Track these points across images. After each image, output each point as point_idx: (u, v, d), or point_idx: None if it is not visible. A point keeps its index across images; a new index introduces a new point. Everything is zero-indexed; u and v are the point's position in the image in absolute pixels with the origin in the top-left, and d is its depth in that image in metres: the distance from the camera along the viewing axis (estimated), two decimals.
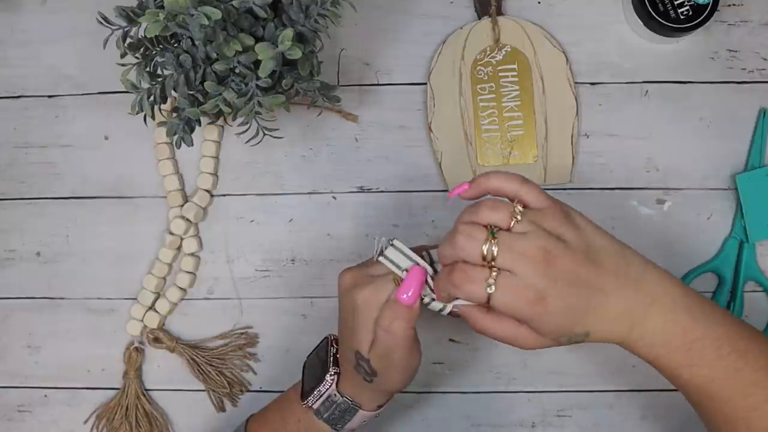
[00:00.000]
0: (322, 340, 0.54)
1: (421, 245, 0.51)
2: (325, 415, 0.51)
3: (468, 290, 0.42)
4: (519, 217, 0.42)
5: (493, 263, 0.42)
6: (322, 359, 0.53)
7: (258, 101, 0.50)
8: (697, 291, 0.46)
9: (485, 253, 0.41)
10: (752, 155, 0.61)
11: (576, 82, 0.62)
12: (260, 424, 0.54)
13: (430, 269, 0.47)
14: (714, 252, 0.61)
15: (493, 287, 0.41)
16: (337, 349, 0.52)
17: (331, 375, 0.51)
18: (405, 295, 0.45)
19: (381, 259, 0.47)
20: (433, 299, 0.46)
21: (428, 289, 0.46)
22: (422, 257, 0.48)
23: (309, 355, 0.55)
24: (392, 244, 0.47)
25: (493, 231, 0.42)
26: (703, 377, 0.44)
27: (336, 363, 0.52)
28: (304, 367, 0.54)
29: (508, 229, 0.42)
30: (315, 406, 0.51)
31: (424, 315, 0.63)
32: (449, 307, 0.46)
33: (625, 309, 0.43)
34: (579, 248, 0.43)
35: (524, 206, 0.44)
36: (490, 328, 0.44)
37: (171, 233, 0.63)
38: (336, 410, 0.51)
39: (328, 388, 0.51)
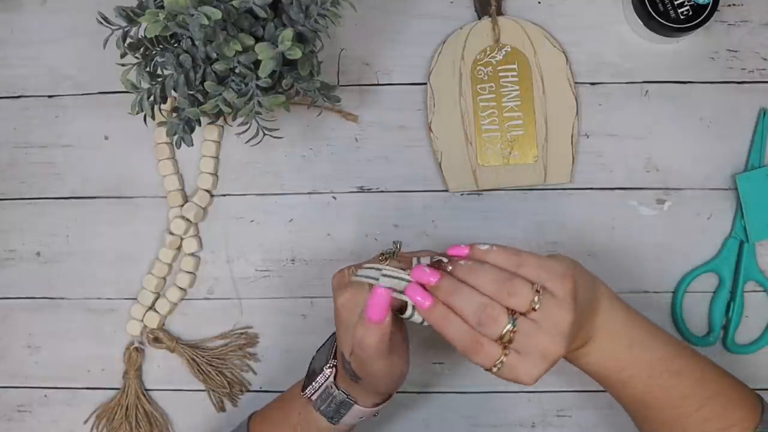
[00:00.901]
0: (330, 336, 0.55)
1: (418, 251, 0.50)
2: (322, 408, 0.51)
3: (475, 359, 0.44)
4: (537, 307, 0.43)
5: (506, 343, 0.43)
6: (326, 353, 0.53)
7: (258, 101, 0.50)
8: (642, 316, 0.50)
9: (503, 336, 0.43)
10: (752, 155, 0.61)
11: (576, 82, 0.62)
12: (263, 418, 0.55)
13: (403, 282, 0.45)
14: (714, 252, 0.61)
15: (498, 368, 0.44)
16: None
17: (329, 367, 0.52)
18: (373, 317, 0.44)
19: (354, 278, 0.47)
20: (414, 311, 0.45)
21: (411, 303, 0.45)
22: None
23: (318, 349, 0.55)
24: (381, 254, 0.48)
25: (513, 321, 0.43)
26: (636, 391, 0.48)
27: (335, 355, 0.52)
28: (311, 360, 0.54)
29: (524, 313, 0.43)
30: (313, 398, 0.51)
31: None
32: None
33: (575, 344, 0.47)
34: (578, 321, 0.44)
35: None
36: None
37: (171, 233, 0.63)
38: (332, 403, 0.51)
39: (325, 380, 0.51)
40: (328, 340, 0.55)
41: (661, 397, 0.48)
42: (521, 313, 0.43)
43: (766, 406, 0.49)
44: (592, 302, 0.47)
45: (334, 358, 0.52)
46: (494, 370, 0.44)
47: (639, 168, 0.62)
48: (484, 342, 0.43)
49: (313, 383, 0.51)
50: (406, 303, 0.45)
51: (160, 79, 0.51)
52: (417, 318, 0.45)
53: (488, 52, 0.62)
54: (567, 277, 0.44)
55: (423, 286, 0.44)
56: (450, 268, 0.44)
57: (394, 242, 0.49)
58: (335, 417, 0.51)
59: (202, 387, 0.63)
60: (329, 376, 0.51)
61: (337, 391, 0.51)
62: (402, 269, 0.45)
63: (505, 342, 0.43)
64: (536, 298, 0.43)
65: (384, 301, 0.44)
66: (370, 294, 0.45)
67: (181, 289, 0.63)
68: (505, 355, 0.43)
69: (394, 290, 0.45)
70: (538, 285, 0.43)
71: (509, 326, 0.42)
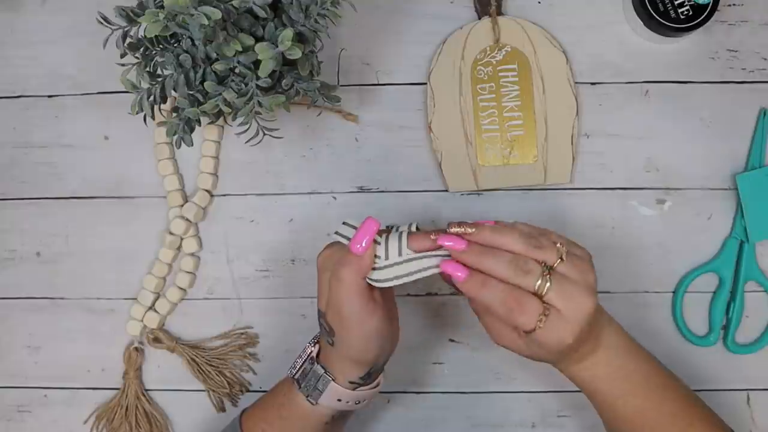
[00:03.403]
0: None
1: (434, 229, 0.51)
2: (302, 385, 0.51)
3: (518, 319, 0.45)
4: (565, 257, 0.45)
5: (543, 297, 0.45)
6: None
7: (258, 101, 0.50)
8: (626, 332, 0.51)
9: (537, 288, 0.45)
10: (752, 155, 0.61)
11: (576, 82, 0.62)
12: (253, 404, 0.55)
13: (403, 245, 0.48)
14: (714, 252, 0.61)
15: (542, 324, 0.44)
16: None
17: (311, 342, 0.53)
18: (357, 245, 0.47)
19: (334, 235, 0.50)
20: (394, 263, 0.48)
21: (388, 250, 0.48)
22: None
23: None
24: (345, 222, 0.51)
25: (546, 268, 0.45)
26: (634, 408, 0.49)
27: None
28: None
29: (553, 266, 0.45)
30: (296, 376, 0.52)
31: (424, 315, 0.63)
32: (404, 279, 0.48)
33: (583, 350, 0.48)
34: (595, 292, 0.46)
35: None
36: (516, 347, 0.48)
37: (171, 233, 0.63)
38: (311, 378, 0.51)
39: (307, 356, 0.52)
40: None
41: (653, 416, 0.49)
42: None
43: None
44: (598, 312, 0.48)
45: (319, 336, 0.53)
46: (540, 326, 0.44)
47: (639, 168, 0.62)
48: (524, 299, 0.44)
49: (297, 360, 0.53)
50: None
51: (160, 79, 0.51)
52: (389, 275, 0.48)
53: (488, 52, 0.62)
54: (578, 245, 0.48)
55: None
56: (472, 230, 0.46)
57: (410, 224, 0.50)
58: (313, 395, 0.51)
59: (202, 387, 0.63)
60: (311, 352, 0.52)
61: (316, 365, 0.51)
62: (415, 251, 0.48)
63: (541, 294, 0.44)
64: (564, 250, 0.45)
65: (371, 231, 0.47)
66: (360, 225, 0.48)
67: (181, 289, 0.63)
68: (546, 314, 0.44)
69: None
70: (561, 245, 0.46)
71: (545, 270, 0.44)
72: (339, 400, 0.51)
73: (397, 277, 0.48)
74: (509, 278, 0.45)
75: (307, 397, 0.51)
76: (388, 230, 0.50)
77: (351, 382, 0.51)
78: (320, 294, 0.50)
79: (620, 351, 0.49)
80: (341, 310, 0.48)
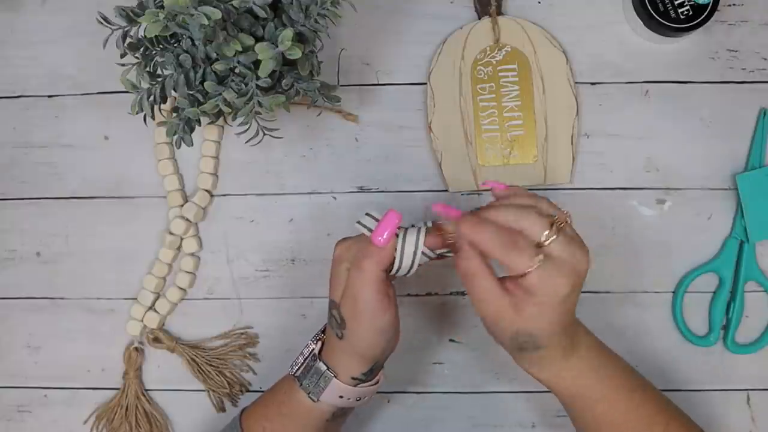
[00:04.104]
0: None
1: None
2: (304, 382, 0.51)
3: (514, 257, 0.44)
4: (569, 220, 0.46)
5: (544, 247, 0.44)
6: (317, 334, 0.54)
7: (258, 101, 0.50)
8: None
9: (546, 235, 0.44)
10: (752, 155, 0.61)
11: (576, 82, 0.62)
12: (253, 402, 0.55)
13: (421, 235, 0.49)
14: (714, 252, 0.61)
15: (538, 264, 0.43)
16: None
17: (313, 339, 0.53)
18: (379, 237, 0.47)
19: (356, 225, 0.50)
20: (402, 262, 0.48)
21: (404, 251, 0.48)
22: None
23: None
24: (367, 213, 0.50)
25: (556, 224, 0.45)
26: (615, 408, 0.49)
27: (324, 330, 0.53)
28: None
29: (561, 226, 0.46)
30: (297, 374, 0.52)
31: (424, 315, 0.63)
32: (416, 267, 0.48)
33: (566, 345, 0.48)
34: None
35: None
36: (480, 277, 0.46)
37: (171, 233, 0.63)
38: (313, 376, 0.51)
39: (309, 352, 0.52)
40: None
41: (631, 417, 0.49)
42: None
43: None
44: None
45: (322, 332, 0.53)
46: (533, 268, 0.43)
47: (639, 168, 0.62)
48: (521, 239, 0.44)
49: (298, 357, 0.52)
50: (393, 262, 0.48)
51: (160, 79, 0.51)
52: (403, 269, 0.48)
53: (488, 52, 0.62)
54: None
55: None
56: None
57: (425, 222, 0.50)
58: (315, 392, 0.51)
59: (202, 387, 0.63)
60: (314, 349, 0.52)
61: (318, 362, 0.51)
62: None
63: (543, 243, 0.44)
64: (570, 216, 0.46)
65: (393, 224, 0.47)
66: (383, 217, 0.48)
67: (181, 289, 0.63)
68: (541, 259, 0.44)
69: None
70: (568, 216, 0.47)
71: (554, 226, 0.44)
72: (341, 396, 0.51)
73: (411, 267, 0.49)
74: (516, 220, 0.44)
75: (308, 394, 0.51)
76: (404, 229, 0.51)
77: (353, 378, 0.51)
78: (335, 285, 0.50)
79: (596, 352, 0.50)
80: (357, 301, 0.48)
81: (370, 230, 0.49)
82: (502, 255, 0.44)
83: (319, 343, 0.52)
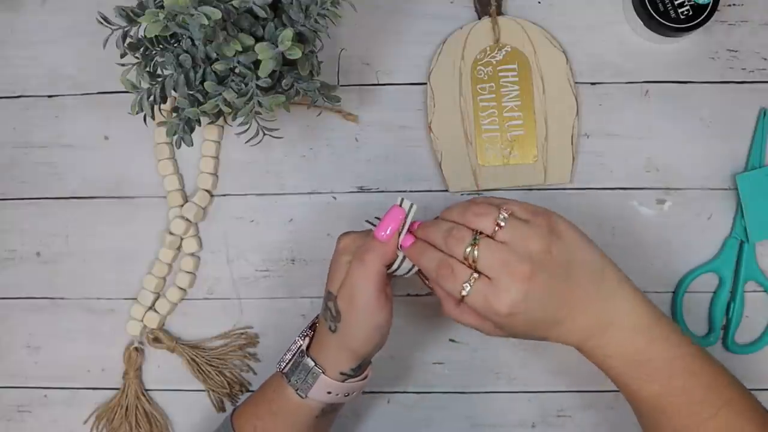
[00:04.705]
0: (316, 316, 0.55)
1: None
2: (292, 379, 0.51)
3: (445, 285, 0.45)
4: (503, 224, 0.45)
5: (474, 265, 0.45)
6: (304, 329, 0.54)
7: (258, 101, 0.50)
8: (663, 312, 0.48)
9: (467, 255, 0.45)
10: (752, 155, 0.61)
11: (576, 82, 0.62)
12: (244, 401, 0.55)
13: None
14: (714, 252, 0.61)
15: (468, 290, 0.44)
16: (318, 318, 0.53)
17: (300, 336, 0.53)
18: (383, 233, 0.48)
19: (365, 222, 0.51)
20: (402, 261, 0.49)
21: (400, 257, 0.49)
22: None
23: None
24: (377, 218, 0.50)
25: (476, 237, 0.45)
26: (653, 392, 0.46)
27: (312, 327, 0.53)
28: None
29: (491, 236, 0.45)
30: (285, 370, 0.52)
31: (424, 315, 0.63)
32: (416, 268, 0.49)
33: (587, 324, 0.46)
34: (558, 263, 0.45)
35: (510, 215, 0.46)
36: (456, 317, 0.47)
37: (171, 233, 0.63)
38: (301, 372, 0.51)
39: (297, 349, 0.52)
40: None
41: (676, 401, 0.46)
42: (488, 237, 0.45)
43: None
44: (597, 278, 0.46)
45: (310, 329, 0.53)
46: (464, 293, 0.44)
47: (639, 168, 0.62)
48: (453, 264, 0.45)
49: (286, 354, 0.52)
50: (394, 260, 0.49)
51: (160, 79, 0.51)
52: (402, 269, 0.49)
53: (488, 52, 0.62)
54: (542, 213, 0.46)
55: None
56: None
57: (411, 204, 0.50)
58: (302, 388, 0.51)
59: (202, 387, 0.63)
60: (301, 345, 0.52)
61: (306, 358, 0.51)
62: None
63: (471, 263, 0.44)
64: (502, 217, 0.45)
65: (397, 219, 0.48)
66: (386, 213, 0.48)
67: (181, 289, 0.63)
68: (473, 279, 0.44)
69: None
70: (506, 210, 0.45)
71: (472, 240, 0.44)
72: (329, 392, 0.51)
73: (411, 268, 0.49)
74: (441, 245, 0.46)
75: (296, 390, 0.51)
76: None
77: (342, 374, 0.51)
78: (334, 276, 0.50)
79: (636, 333, 0.46)
80: (355, 294, 0.48)
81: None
82: (436, 282, 0.46)
83: (307, 339, 0.52)
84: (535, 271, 0.44)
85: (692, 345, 0.48)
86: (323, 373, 0.50)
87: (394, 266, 0.49)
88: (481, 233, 0.45)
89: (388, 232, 0.48)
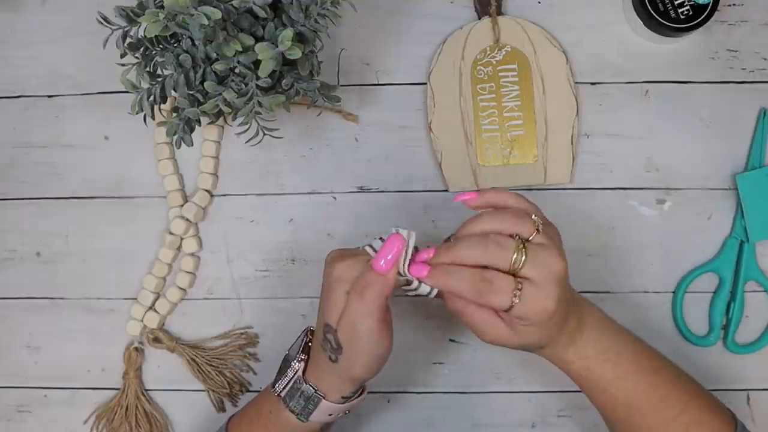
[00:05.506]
0: (302, 331, 0.53)
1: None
2: (290, 404, 0.50)
3: (493, 300, 0.44)
4: (540, 228, 0.45)
5: (518, 272, 0.44)
6: (297, 349, 0.52)
7: (258, 101, 0.50)
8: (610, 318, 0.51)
9: (513, 262, 0.43)
10: (752, 155, 0.61)
11: (576, 82, 0.62)
12: (240, 418, 0.54)
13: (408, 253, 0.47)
14: (714, 252, 0.61)
15: (518, 299, 0.43)
16: (311, 339, 0.52)
17: (297, 361, 0.51)
18: (381, 262, 0.45)
19: (366, 248, 0.48)
20: (420, 283, 0.47)
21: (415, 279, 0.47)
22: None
23: (290, 347, 0.54)
24: (380, 238, 0.48)
25: (523, 242, 0.44)
26: (628, 391, 0.49)
27: (306, 351, 0.51)
28: (284, 356, 0.54)
29: (528, 239, 0.45)
30: (282, 394, 0.51)
31: (424, 315, 0.63)
32: (435, 291, 0.47)
33: (570, 329, 0.48)
34: (563, 253, 0.46)
35: None
36: (469, 314, 0.46)
37: (171, 233, 0.63)
38: (300, 398, 0.50)
39: (294, 374, 0.50)
40: (299, 337, 0.53)
41: (646, 397, 0.48)
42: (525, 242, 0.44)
43: (739, 423, 0.50)
44: (572, 292, 0.48)
45: (303, 352, 0.51)
46: (516, 302, 0.43)
47: (639, 168, 0.62)
48: (493, 277, 0.43)
49: (282, 378, 0.51)
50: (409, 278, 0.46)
51: (160, 79, 0.51)
52: (423, 289, 0.47)
53: (488, 52, 0.62)
54: (540, 213, 0.48)
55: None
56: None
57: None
58: (303, 413, 0.50)
59: (202, 387, 0.63)
60: (298, 370, 0.50)
61: (305, 385, 0.50)
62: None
63: (517, 268, 0.43)
64: (537, 220, 0.45)
65: (397, 249, 0.45)
66: (385, 241, 0.46)
67: (181, 289, 0.63)
68: (519, 288, 0.43)
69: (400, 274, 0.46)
70: (537, 216, 0.46)
71: (520, 244, 0.43)
72: (330, 414, 0.51)
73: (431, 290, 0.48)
74: (479, 258, 0.44)
75: (297, 416, 0.50)
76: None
77: (343, 397, 0.50)
78: (330, 307, 0.47)
79: (605, 332, 0.49)
80: (357, 330, 0.46)
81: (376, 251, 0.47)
82: (480, 300, 0.44)
83: (303, 363, 0.51)
84: (565, 262, 0.45)
85: (645, 344, 0.51)
86: (324, 398, 0.49)
87: (412, 287, 0.47)
88: (523, 238, 0.44)
89: (384, 263, 0.45)
